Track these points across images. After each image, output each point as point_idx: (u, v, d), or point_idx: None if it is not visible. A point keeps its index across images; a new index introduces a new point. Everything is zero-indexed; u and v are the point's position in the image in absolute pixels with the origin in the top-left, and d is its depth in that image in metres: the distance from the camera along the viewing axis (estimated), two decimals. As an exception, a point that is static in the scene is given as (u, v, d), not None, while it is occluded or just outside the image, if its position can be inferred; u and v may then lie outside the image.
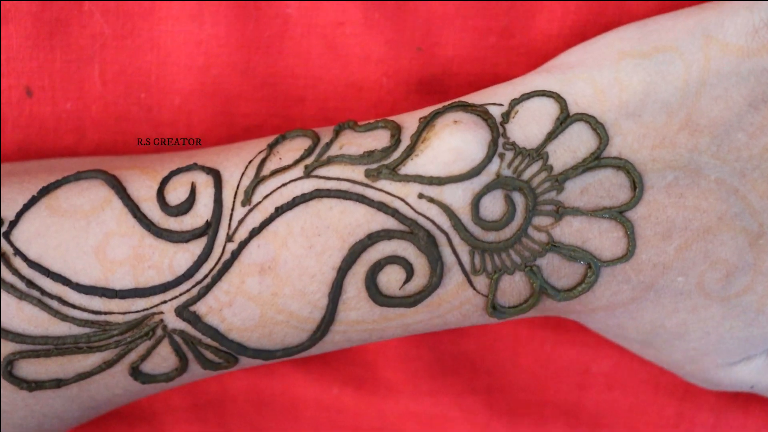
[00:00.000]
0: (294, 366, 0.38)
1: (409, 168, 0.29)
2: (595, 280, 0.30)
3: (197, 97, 0.34)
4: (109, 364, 0.30)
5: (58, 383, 0.30)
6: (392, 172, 0.29)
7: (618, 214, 0.29)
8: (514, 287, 0.30)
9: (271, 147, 0.30)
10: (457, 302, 0.30)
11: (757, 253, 0.31)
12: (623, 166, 0.29)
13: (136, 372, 0.30)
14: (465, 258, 0.29)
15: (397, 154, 0.29)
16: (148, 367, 0.30)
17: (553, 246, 0.30)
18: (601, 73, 0.30)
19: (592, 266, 0.30)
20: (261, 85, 0.34)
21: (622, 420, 0.39)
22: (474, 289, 0.30)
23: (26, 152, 0.34)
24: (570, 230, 0.30)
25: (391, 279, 0.29)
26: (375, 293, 0.29)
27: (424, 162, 0.29)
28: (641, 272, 0.30)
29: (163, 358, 0.30)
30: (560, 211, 0.29)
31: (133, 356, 0.30)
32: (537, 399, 0.39)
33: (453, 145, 0.29)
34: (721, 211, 0.30)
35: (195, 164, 0.30)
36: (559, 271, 0.30)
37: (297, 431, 0.39)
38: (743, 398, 0.38)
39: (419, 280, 0.29)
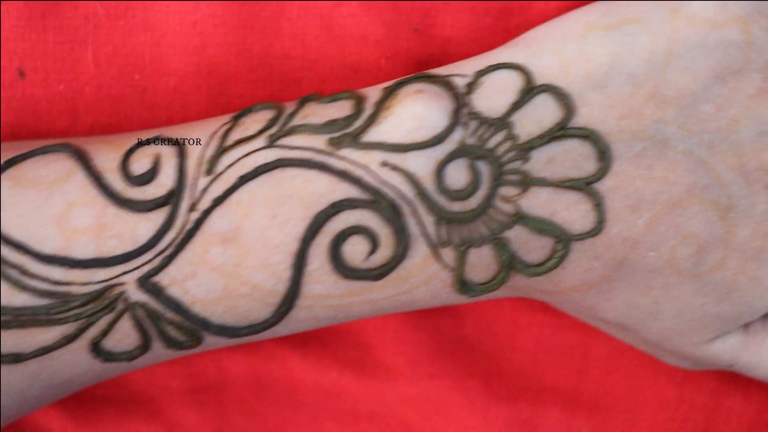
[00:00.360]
0: (292, 349, 0.38)
1: (372, 136, 0.29)
2: (564, 254, 0.30)
3: (192, 78, 0.34)
4: (69, 339, 0.29)
5: (17, 358, 0.29)
6: (354, 140, 0.29)
7: (585, 185, 0.29)
8: (482, 261, 0.30)
9: (236, 119, 0.30)
10: (424, 276, 0.30)
11: (727, 227, 0.30)
12: (589, 135, 0.29)
13: (97, 348, 0.29)
14: (431, 229, 0.29)
15: (359, 122, 0.29)
16: (109, 343, 0.30)
17: (521, 218, 0.29)
18: (567, 46, 0.30)
19: (562, 240, 0.29)
20: (257, 66, 0.34)
21: (621, 404, 0.38)
22: (441, 262, 0.29)
23: (19, 134, 0.34)
24: (537, 202, 0.29)
25: (355, 251, 0.29)
26: (339, 265, 0.29)
27: (386, 129, 0.29)
28: (611, 247, 0.30)
29: (124, 334, 0.29)
30: (526, 181, 0.29)
31: (94, 331, 0.29)
32: (536, 383, 0.38)
33: (415, 112, 0.29)
34: (689, 183, 0.30)
35: (159, 136, 0.30)
36: (527, 244, 0.30)
37: (296, 415, 0.38)
38: (743, 382, 0.37)
39: (384, 251, 0.29)
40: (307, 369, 0.38)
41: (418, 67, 0.34)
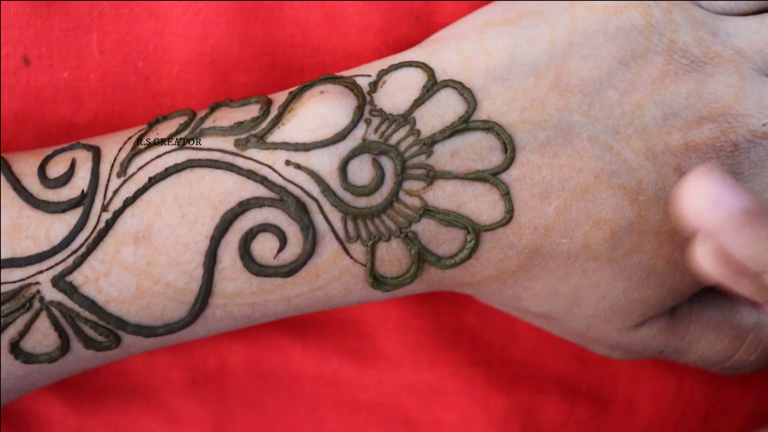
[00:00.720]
0: (292, 339, 0.38)
1: (277, 136, 0.30)
2: (475, 245, 0.30)
3: (195, 66, 0.34)
4: (-13, 340, 0.30)
5: (-63, 359, 0.30)
6: (260, 141, 0.30)
7: (491, 176, 0.30)
8: (392, 255, 0.30)
9: (151, 125, 0.31)
10: (335, 272, 0.30)
11: (638, 211, 0.30)
12: (491, 127, 0.30)
13: (16, 349, 0.30)
14: (338, 225, 0.30)
15: (264, 124, 0.30)
16: (29, 344, 0.30)
17: (427, 211, 0.30)
18: (468, 43, 0.30)
19: (471, 231, 0.30)
20: (259, 54, 0.35)
21: (620, 393, 0.38)
22: (351, 257, 0.30)
23: (23, 121, 0.35)
24: (443, 195, 0.30)
25: (265, 248, 0.30)
26: (249, 262, 0.30)
27: (290, 130, 0.30)
28: (523, 236, 0.30)
29: (43, 335, 0.30)
30: (431, 174, 0.30)
31: (12, 331, 0.30)
32: (536, 372, 0.38)
33: (318, 112, 0.29)
34: (597, 169, 0.30)
35: (78, 143, 0.31)
36: (437, 237, 0.30)
37: (295, 405, 0.39)
38: (740, 377, 0.38)
39: (293, 248, 0.30)
40: (307, 359, 0.38)
41: None
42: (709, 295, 0.34)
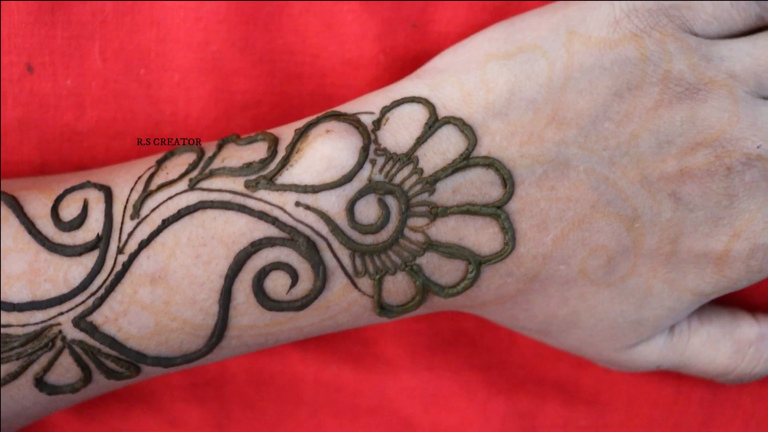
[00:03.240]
0: (293, 345, 0.39)
1: (286, 178, 0.30)
2: (476, 275, 0.31)
3: (196, 73, 0.35)
4: (13, 376, 0.31)
5: (-33, 395, 0.31)
6: (270, 182, 0.30)
7: (492, 210, 0.31)
8: (398, 287, 0.31)
9: (160, 163, 0.32)
10: (344, 304, 0.31)
11: (635, 237, 0.32)
12: (491, 164, 0.31)
13: (40, 383, 0.31)
14: (346, 261, 0.31)
15: (273, 165, 0.31)
16: (52, 378, 0.32)
17: (431, 245, 0.31)
18: (468, 77, 0.31)
19: (472, 262, 0.31)
20: (259, 61, 0.35)
21: (620, 397, 0.39)
22: (359, 290, 0.31)
23: (26, 128, 0.35)
24: (446, 229, 0.31)
25: (277, 284, 0.31)
26: (263, 298, 0.31)
27: (298, 171, 0.30)
28: (522, 265, 0.32)
29: (66, 369, 0.31)
30: (434, 211, 0.31)
31: (36, 368, 0.31)
32: (535, 376, 0.39)
33: (325, 153, 0.30)
34: (593, 200, 0.31)
35: (88, 182, 0.32)
36: (440, 268, 0.31)
37: (296, 411, 0.40)
38: None
39: (304, 284, 0.31)
40: (307, 364, 0.39)
41: (416, 61, 0.35)
42: (708, 309, 0.35)
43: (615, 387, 0.39)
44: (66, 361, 0.31)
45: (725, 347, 0.35)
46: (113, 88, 0.35)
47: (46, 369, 0.31)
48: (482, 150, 0.31)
